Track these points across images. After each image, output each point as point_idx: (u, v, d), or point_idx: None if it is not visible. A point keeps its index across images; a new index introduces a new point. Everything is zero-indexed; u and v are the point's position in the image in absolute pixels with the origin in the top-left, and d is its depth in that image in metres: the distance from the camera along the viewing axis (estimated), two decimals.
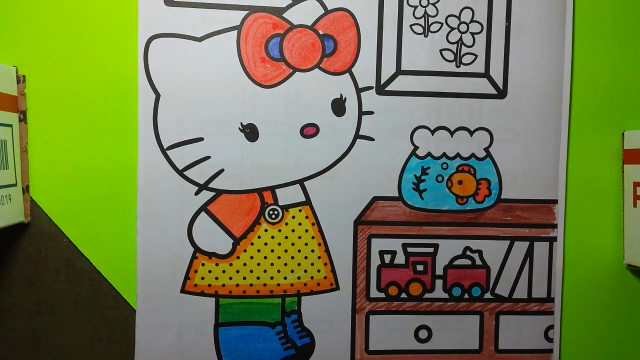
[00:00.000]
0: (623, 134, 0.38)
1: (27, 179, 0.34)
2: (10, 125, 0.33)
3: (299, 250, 0.36)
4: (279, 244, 0.36)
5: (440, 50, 0.36)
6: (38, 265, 0.35)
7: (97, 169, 0.35)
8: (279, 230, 0.36)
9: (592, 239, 0.38)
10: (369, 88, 0.36)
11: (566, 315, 0.38)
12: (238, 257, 0.36)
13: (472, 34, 0.36)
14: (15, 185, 0.33)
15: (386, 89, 0.36)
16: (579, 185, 0.38)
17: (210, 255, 0.36)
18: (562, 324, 0.38)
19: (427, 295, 0.37)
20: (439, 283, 0.37)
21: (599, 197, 0.38)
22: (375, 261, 0.37)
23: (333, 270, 0.37)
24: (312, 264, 0.37)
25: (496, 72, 0.37)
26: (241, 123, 0.35)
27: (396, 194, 0.37)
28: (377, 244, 0.37)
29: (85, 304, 0.36)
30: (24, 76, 0.34)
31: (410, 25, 0.36)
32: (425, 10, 0.36)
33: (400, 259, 0.37)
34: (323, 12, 0.35)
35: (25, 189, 0.34)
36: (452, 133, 0.37)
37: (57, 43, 0.34)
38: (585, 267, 0.38)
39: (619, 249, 0.38)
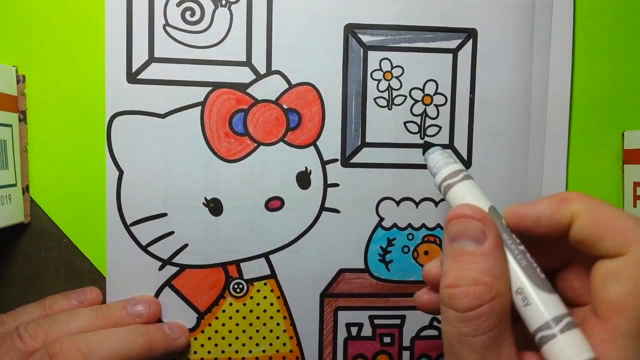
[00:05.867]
0: (623, 134, 0.38)
1: (27, 179, 0.34)
2: (10, 125, 0.33)
3: (264, 324, 0.36)
4: (244, 317, 0.36)
5: (405, 123, 0.36)
6: (38, 265, 0.35)
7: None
8: (244, 304, 0.36)
9: None
10: (333, 160, 0.36)
11: None
12: (203, 331, 0.36)
13: (436, 106, 0.36)
14: (15, 185, 0.33)
15: (351, 161, 0.36)
16: (579, 186, 0.38)
17: None
18: None
19: None
20: (406, 355, 0.37)
21: (599, 197, 0.37)
22: (341, 334, 0.37)
23: (299, 344, 0.36)
24: (278, 338, 0.36)
25: (460, 143, 0.37)
26: (205, 198, 0.35)
27: (362, 266, 0.37)
28: (344, 317, 0.37)
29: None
30: (23, 76, 0.34)
31: (374, 99, 0.36)
32: (389, 83, 0.36)
33: (367, 331, 0.37)
34: (287, 86, 0.35)
35: (25, 189, 0.34)
36: (417, 204, 0.37)
37: (57, 43, 0.34)
38: None
39: None
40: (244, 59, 0.35)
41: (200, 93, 0.35)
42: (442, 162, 0.27)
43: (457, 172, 0.27)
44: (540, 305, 0.23)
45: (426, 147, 0.29)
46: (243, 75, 0.35)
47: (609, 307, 0.22)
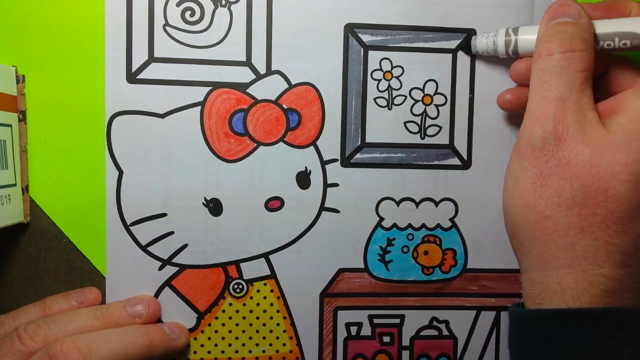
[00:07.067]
0: None
1: (26, 179, 0.34)
2: (10, 125, 0.33)
3: (264, 324, 0.36)
4: (244, 317, 0.36)
5: (405, 123, 0.36)
6: (38, 265, 0.35)
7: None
8: (244, 304, 0.36)
9: None
10: (333, 160, 0.36)
11: None
12: (202, 331, 0.36)
13: (436, 105, 0.36)
14: (14, 185, 0.33)
15: (351, 161, 0.36)
16: None
17: None
18: None
19: None
20: (405, 354, 0.37)
21: None
22: (341, 333, 0.37)
23: (299, 344, 0.37)
24: (278, 338, 0.36)
25: (460, 143, 0.37)
26: (205, 198, 0.35)
27: (362, 266, 0.37)
28: (343, 316, 0.37)
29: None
30: (23, 76, 0.34)
31: (374, 99, 0.36)
32: (389, 83, 0.36)
33: (366, 330, 0.37)
34: (287, 86, 0.35)
35: (25, 189, 0.34)
36: (417, 204, 0.37)
37: (56, 43, 0.34)
38: None
39: None
40: (244, 59, 0.35)
41: (200, 93, 0.35)
42: (492, 35, 0.34)
43: (507, 31, 0.33)
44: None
45: (468, 38, 0.36)
46: (243, 75, 0.35)
47: None
